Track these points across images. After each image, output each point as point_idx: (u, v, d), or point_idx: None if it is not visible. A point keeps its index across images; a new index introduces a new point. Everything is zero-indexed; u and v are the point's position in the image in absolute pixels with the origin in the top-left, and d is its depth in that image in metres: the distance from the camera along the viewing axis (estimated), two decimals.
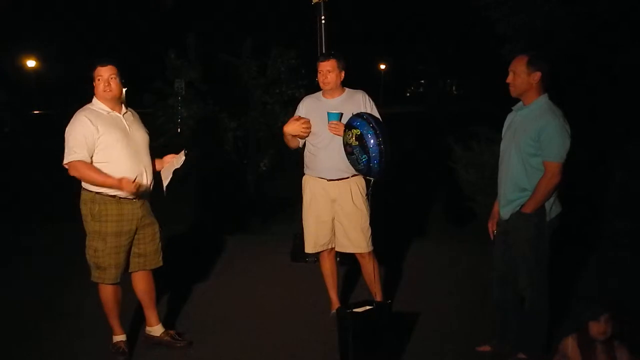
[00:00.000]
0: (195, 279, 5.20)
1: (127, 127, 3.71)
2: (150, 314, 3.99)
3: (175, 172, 3.88)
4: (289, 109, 9.32)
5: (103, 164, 3.61)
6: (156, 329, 4.00)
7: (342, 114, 3.99)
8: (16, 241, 6.54)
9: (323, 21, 5.50)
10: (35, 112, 25.64)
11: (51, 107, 23.81)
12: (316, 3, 5.48)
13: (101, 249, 3.66)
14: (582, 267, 5.21)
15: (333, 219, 4.18)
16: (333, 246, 4.27)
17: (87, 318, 4.38)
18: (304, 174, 4.29)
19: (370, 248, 4.16)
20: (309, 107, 4.20)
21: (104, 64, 3.65)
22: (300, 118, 4.11)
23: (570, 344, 3.07)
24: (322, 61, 4.09)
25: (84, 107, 3.71)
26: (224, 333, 4.19)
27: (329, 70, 4.05)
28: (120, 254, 3.70)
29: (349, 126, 3.80)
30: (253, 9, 20.25)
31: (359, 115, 3.81)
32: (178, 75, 9.66)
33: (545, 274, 3.50)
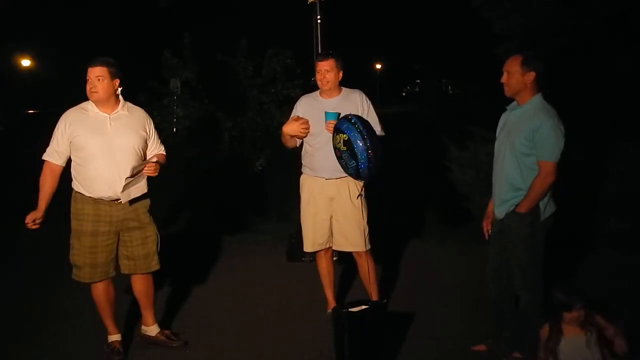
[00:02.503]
0: (191, 279, 5.19)
1: (110, 129, 3.64)
2: (147, 314, 4.00)
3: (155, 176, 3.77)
4: (284, 108, 9.33)
5: (79, 166, 3.64)
6: (152, 329, 4.00)
7: (339, 114, 3.98)
8: (12, 241, 6.51)
9: (319, 21, 5.50)
10: (29, 111, 25.56)
11: (46, 106, 23.72)
12: (311, 3, 5.48)
13: (76, 247, 3.67)
14: (577, 267, 5.22)
15: (331, 217, 4.19)
16: (331, 245, 4.28)
17: (82, 318, 4.37)
18: (301, 174, 4.29)
19: (368, 247, 4.16)
20: (305, 106, 4.19)
21: (93, 65, 3.62)
22: (299, 118, 4.09)
23: (544, 330, 3.25)
24: (320, 61, 4.08)
25: (74, 107, 3.73)
26: (219, 333, 4.19)
27: (327, 70, 4.04)
28: (96, 254, 3.67)
29: (337, 130, 3.77)
30: (248, 9, 20.25)
31: (347, 119, 3.76)
32: (174, 74, 9.66)
33: (540, 273, 3.51)
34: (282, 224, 6.88)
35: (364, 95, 4.16)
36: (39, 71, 30.34)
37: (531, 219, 3.44)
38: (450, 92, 47.03)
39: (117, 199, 3.64)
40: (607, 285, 4.68)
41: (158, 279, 4.12)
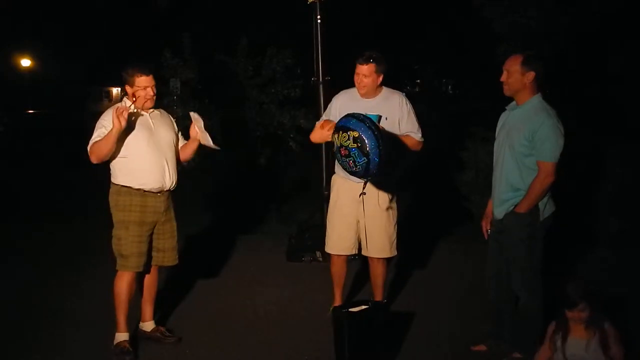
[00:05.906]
0: (190, 278, 5.19)
1: (152, 125, 3.83)
2: (147, 308, 4.05)
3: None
4: (284, 108, 9.34)
5: (124, 158, 3.76)
6: (148, 325, 4.05)
7: (380, 116, 3.92)
8: (11, 241, 6.51)
9: (319, 21, 5.50)
10: (29, 111, 25.57)
11: (45, 106, 23.76)
12: (311, 3, 5.48)
13: (124, 237, 3.78)
14: (577, 267, 5.23)
15: (358, 222, 4.10)
16: (355, 252, 4.22)
17: (82, 318, 4.38)
18: (333, 173, 4.25)
19: (394, 253, 4.13)
20: (343, 103, 4.08)
21: (146, 74, 3.76)
22: (325, 124, 3.96)
23: (549, 331, 3.27)
24: (360, 64, 3.94)
25: (116, 105, 3.84)
26: (219, 332, 4.19)
27: (365, 75, 3.93)
28: (142, 243, 3.80)
29: (343, 128, 3.60)
30: (248, 9, 20.26)
31: (354, 116, 3.64)
32: (173, 74, 9.65)
33: (539, 273, 3.51)
34: (282, 224, 6.89)
35: (404, 98, 4.06)
36: (39, 71, 30.34)
37: (530, 219, 3.44)
38: (450, 92, 46.96)
39: (163, 191, 3.82)
40: (607, 285, 4.68)
41: (158, 277, 4.12)
